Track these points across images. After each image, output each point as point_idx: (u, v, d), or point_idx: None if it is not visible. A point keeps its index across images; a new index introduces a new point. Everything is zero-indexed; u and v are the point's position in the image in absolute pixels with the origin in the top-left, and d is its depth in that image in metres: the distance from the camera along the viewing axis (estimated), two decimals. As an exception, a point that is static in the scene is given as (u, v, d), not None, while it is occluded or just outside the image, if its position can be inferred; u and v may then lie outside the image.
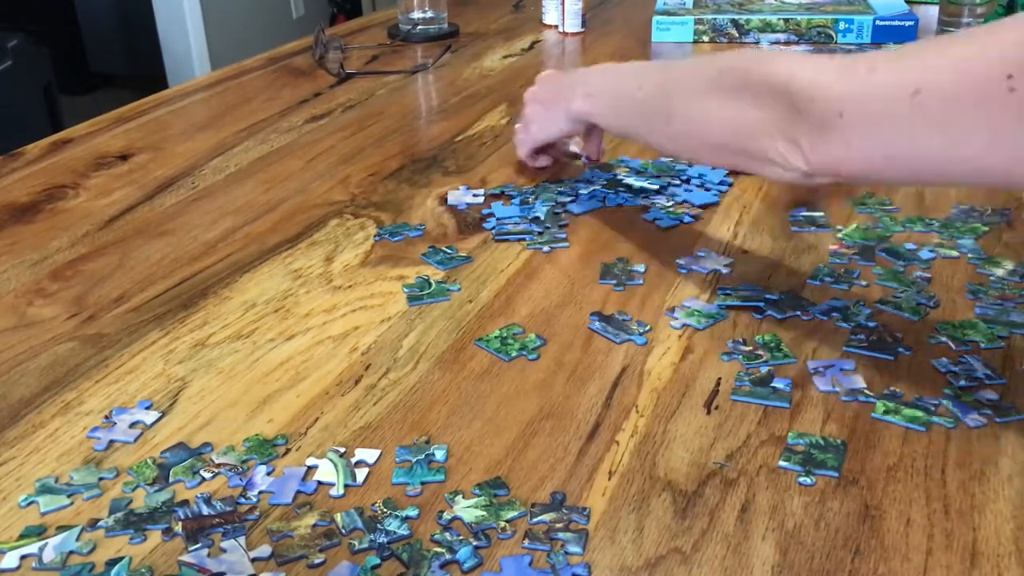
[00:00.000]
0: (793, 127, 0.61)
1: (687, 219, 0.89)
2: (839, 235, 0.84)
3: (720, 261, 0.81)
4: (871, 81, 0.57)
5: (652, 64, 0.87)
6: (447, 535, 0.52)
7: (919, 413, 0.61)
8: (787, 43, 1.50)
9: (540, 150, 0.99)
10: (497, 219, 0.91)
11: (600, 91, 0.85)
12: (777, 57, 0.65)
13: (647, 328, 0.72)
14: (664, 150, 0.85)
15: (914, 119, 0.54)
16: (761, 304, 0.74)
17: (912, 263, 0.79)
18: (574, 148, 1.02)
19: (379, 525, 0.53)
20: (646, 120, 0.78)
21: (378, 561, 0.51)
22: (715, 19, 1.54)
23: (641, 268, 0.80)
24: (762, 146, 0.63)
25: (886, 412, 0.61)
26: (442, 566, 0.50)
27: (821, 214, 0.89)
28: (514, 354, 0.69)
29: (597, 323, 0.73)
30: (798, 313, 0.73)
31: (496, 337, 0.71)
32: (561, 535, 0.52)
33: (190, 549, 0.52)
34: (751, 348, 0.69)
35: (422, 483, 0.56)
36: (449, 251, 0.85)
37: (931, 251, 0.81)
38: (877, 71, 0.57)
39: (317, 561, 0.51)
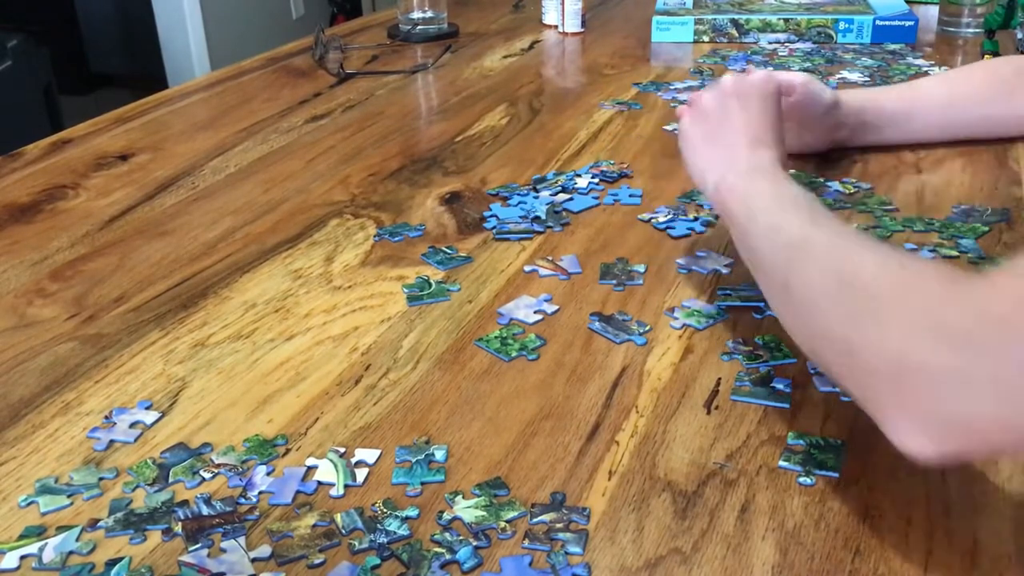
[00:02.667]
0: (937, 402, 0.45)
1: (699, 228, 0.88)
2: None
3: (720, 261, 0.81)
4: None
5: (800, 202, 0.64)
6: (447, 535, 0.52)
7: (919, 413, 0.61)
8: (787, 43, 1.50)
9: None
10: (498, 219, 0.91)
11: (742, 196, 0.69)
12: (926, 277, 0.49)
13: (647, 328, 0.72)
14: (778, 317, 0.62)
15: None
16: (761, 304, 0.74)
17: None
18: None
19: (379, 525, 0.53)
20: (765, 273, 0.63)
21: (378, 561, 0.51)
22: (715, 19, 1.54)
23: (641, 268, 0.80)
24: (874, 410, 0.49)
25: (886, 412, 0.61)
26: (442, 566, 0.50)
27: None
28: (514, 354, 0.69)
29: (597, 323, 0.73)
30: (798, 313, 0.73)
31: (496, 337, 0.71)
32: (561, 535, 0.52)
33: (190, 549, 0.52)
34: (751, 348, 0.69)
35: (422, 483, 0.56)
36: (449, 251, 0.85)
37: (931, 251, 0.81)
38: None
39: (317, 561, 0.51)
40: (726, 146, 0.75)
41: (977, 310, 0.43)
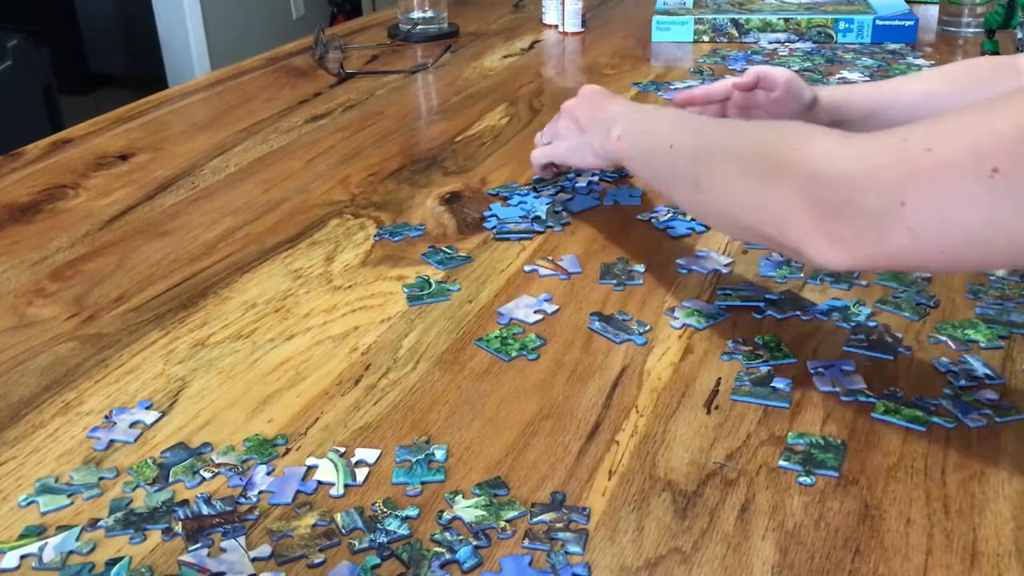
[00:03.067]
0: (836, 223, 0.54)
1: (700, 228, 0.88)
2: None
3: (720, 261, 0.81)
4: (935, 162, 0.50)
5: (690, 119, 0.77)
6: (447, 535, 0.52)
7: (919, 413, 0.61)
8: (787, 43, 1.50)
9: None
10: (498, 219, 0.91)
11: (633, 135, 0.80)
12: (813, 139, 0.58)
13: (647, 328, 0.72)
14: (689, 213, 0.78)
15: (997, 200, 0.48)
16: (761, 304, 0.74)
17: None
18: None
19: (379, 525, 0.53)
20: (673, 180, 0.72)
21: (378, 561, 0.51)
22: (715, 19, 1.54)
23: (641, 268, 0.80)
24: (796, 238, 0.57)
25: (886, 412, 0.61)
26: (442, 566, 0.50)
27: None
28: (514, 354, 0.69)
29: (597, 323, 0.73)
30: (798, 313, 0.73)
31: (496, 337, 0.71)
32: (561, 535, 0.52)
33: (190, 549, 0.52)
34: (751, 348, 0.69)
35: (422, 483, 0.56)
36: (449, 251, 0.85)
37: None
38: (936, 149, 0.50)
39: (317, 561, 0.51)
40: (595, 120, 0.86)
41: (858, 154, 0.54)
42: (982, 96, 1.01)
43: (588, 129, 0.86)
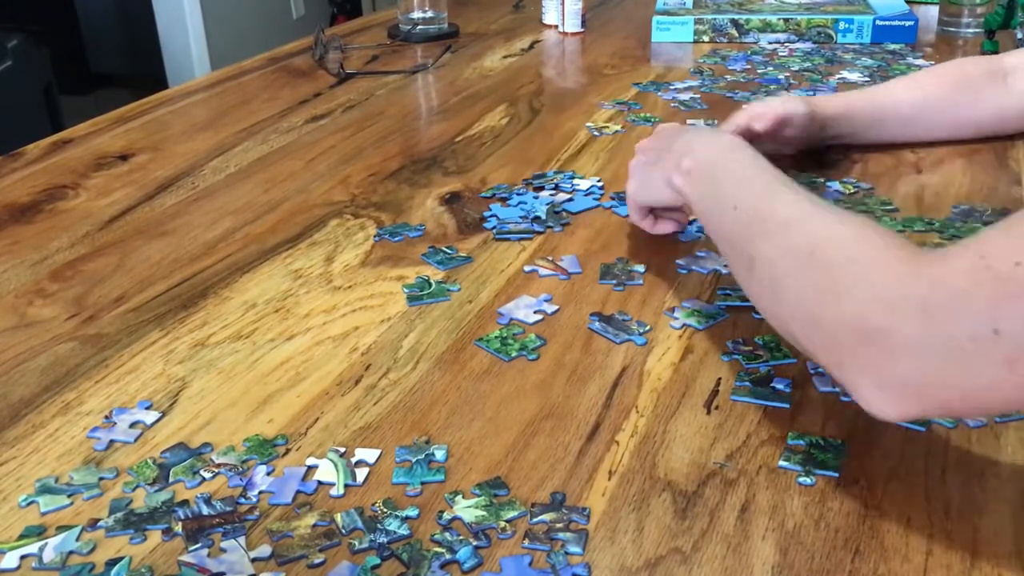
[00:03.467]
0: (900, 362, 0.47)
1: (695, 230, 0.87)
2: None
3: (720, 261, 0.81)
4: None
5: (759, 173, 0.65)
6: (447, 535, 0.52)
7: (919, 413, 0.61)
8: (787, 43, 1.50)
9: (657, 211, 0.84)
10: (498, 219, 0.91)
11: (703, 178, 0.71)
12: (882, 254, 0.50)
13: (647, 328, 0.72)
14: (745, 292, 0.64)
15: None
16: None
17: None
18: None
19: (379, 525, 0.53)
20: (730, 249, 0.65)
21: (378, 561, 0.51)
22: (715, 19, 1.54)
23: (641, 268, 0.80)
24: (845, 377, 0.51)
25: (886, 412, 0.61)
26: (442, 566, 0.50)
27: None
28: (514, 354, 0.69)
29: (597, 323, 0.73)
30: (798, 313, 0.73)
31: (496, 337, 0.71)
32: (561, 535, 0.52)
33: (190, 549, 0.52)
34: (751, 348, 0.69)
35: (422, 483, 0.56)
36: (449, 251, 0.85)
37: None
38: None
39: (317, 561, 0.51)
40: (668, 149, 0.77)
41: (932, 282, 0.46)
42: (973, 100, 0.99)
43: (659, 161, 0.77)
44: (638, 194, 0.81)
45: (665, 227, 0.83)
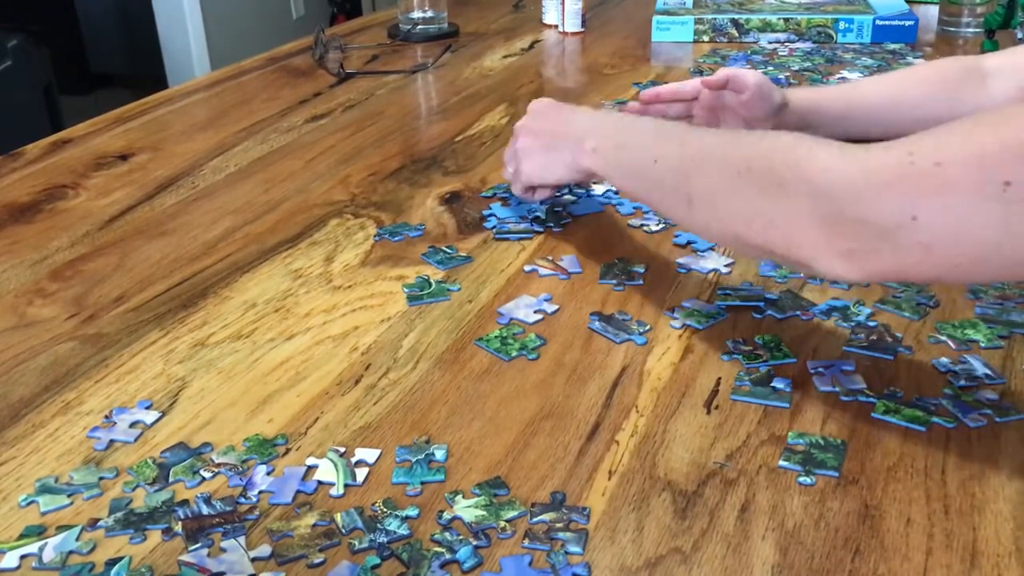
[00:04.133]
0: (846, 238, 0.54)
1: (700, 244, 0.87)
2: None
3: (720, 261, 0.81)
4: (946, 177, 0.50)
5: (670, 129, 0.73)
6: (447, 535, 0.52)
7: (919, 413, 0.61)
8: (787, 43, 1.50)
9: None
10: (498, 219, 0.91)
11: (609, 151, 0.77)
12: (814, 152, 0.57)
13: (647, 328, 0.72)
14: (682, 227, 0.76)
15: (1009, 213, 0.48)
16: (761, 304, 0.74)
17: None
18: None
19: (379, 525, 0.53)
20: (663, 197, 0.70)
21: (378, 561, 0.51)
22: (715, 19, 1.54)
23: (641, 268, 0.80)
24: (806, 254, 0.57)
25: (886, 412, 0.61)
26: (442, 566, 0.50)
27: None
28: (514, 354, 0.69)
29: (597, 323, 0.73)
30: (798, 313, 0.73)
31: (496, 337, 0.71)
32: (561, 535, 0.52)
33: (190, 549, 0.52)
34: (751, 348, 0.69)
35: (422, 483, 0.56)
36: (449, 251, 0.85)
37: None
38: (946, 164, 0.50)
39: (317, 561, 0.51)
40: (561, 134, 0.83)
41: (864, 171, 0.53)
42: (948, 99, 1.01)
43: (554, 146, 0.83)
44: (536, 176, 0.86)
45: (543, 194, 0.89)
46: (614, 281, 0.79)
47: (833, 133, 1.01)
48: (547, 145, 0.84)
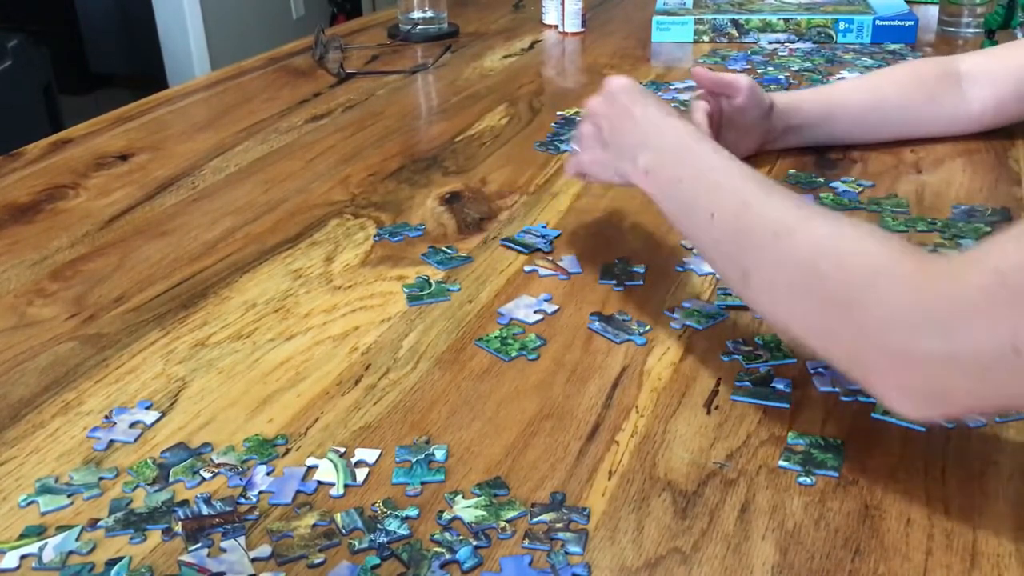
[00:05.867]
0: (922, 374, 0.48)
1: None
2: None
3: (720, 261, 0.81)
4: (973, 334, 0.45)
5: (733, 179, 0.63)
6: (447, 535, 0.52)
7: (919, 413, 0.61)
8: (787, 43, 1.50)
9: None
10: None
11: (663, 179, 0.68)
12: (895, 267, 0.50)
13: (647, 328, 0.72)
14: (735, 295, 0.67)
15: None
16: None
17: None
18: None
19: (379, 525, 0.53)
20: (715, 255, 0.63)
21: (378, 561, 0.51)
22: (715, 19, 1.54)
23: (641, 268, 0.80)
24: (868, 382, 0.51)
25: (886, 412, 0.61)
26: (442, 566, 0.50)
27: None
28: (514, 354, 0.69)
29: (597, 323, 0.73)
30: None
31: (496, 337, 0.71)
32: (561, 535, 0.52)
33: (190, 549, 0.52)
34: (751, 348, 0.69)
35: (422, 483, 0.56)
36: (449, 251, 0.85)
37: (932, 250, 0.81)
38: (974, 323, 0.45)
39: (317, 561, 0.51)
40: (619, 141, 0.73)
41: (950, 301, 0.47)
42: (926, 101, 0.99)
43: (611, 148, 0.74)
44: (593, 172, 0.77)
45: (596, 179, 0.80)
46: (614, 281, 0.79)
47: (818, 136, 1.03)
48: (608, 141, 0.75)
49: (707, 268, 0.80)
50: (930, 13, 1.60)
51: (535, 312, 0.74)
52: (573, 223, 0.90)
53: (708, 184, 0.64)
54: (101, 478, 0.58)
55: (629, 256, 0.83)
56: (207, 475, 0.58)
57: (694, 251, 0.82)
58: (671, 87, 1.30)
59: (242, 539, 0.53)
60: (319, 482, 0.57)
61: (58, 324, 0.76)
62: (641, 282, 0.79)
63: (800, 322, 0.55)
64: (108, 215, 0.96)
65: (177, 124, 1.26)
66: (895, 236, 0.53)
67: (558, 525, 0.53)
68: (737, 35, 1.53)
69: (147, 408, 0.65)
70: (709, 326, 0.72)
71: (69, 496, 0.57)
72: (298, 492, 0.56)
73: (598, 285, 0.78)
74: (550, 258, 0.83)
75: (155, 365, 0.70)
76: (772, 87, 1.28)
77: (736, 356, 0.68)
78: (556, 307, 0.75)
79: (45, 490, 0.57)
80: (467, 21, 1.73)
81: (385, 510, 0.54)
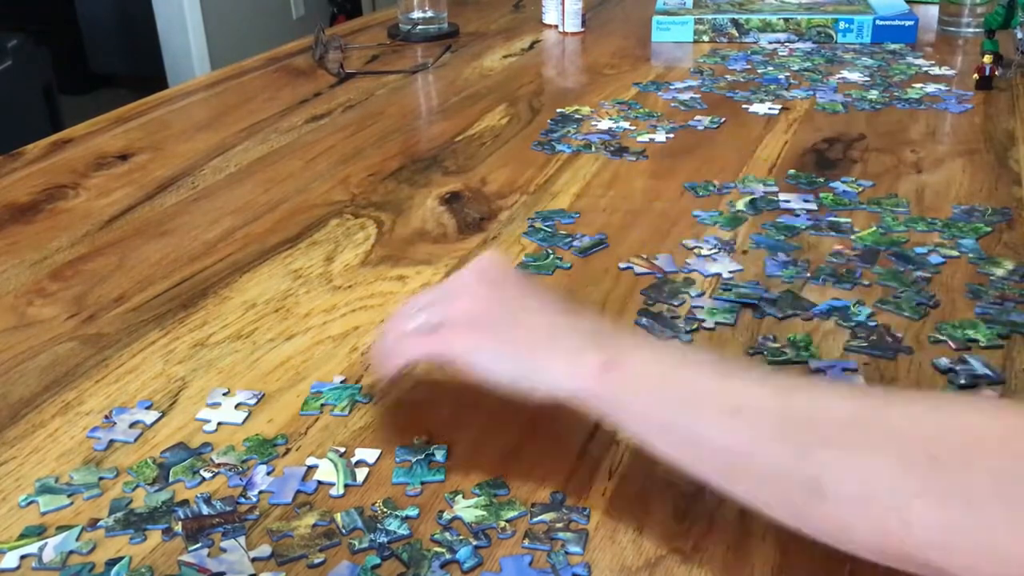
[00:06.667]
0: None
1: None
2: (852, 238, 0.84)
3: (726, 266, 0.81)
4: None
5: (745, 382, 0.47)
6: (447, 535, 0.52)
7: (919, 413, 0.61)
8: (787, 43, 1.50)
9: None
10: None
11: (646, 370, 0.49)
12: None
13: (694, 327, 0.71)
14: (787, 521, 0.45)
15: None
16: (758, 303, 0.74)
17: (922, 267, 0.79)
18: None
19: (379, 525, 0.53)
20: (745, 475, 0.45)
21: (378, 561, 0.51)
22: (715, 19, 1.54)
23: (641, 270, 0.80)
24: None
25: (886, 412, 0.61)
26: (442, 566, 0.50)
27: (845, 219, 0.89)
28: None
29: (644, 320, 0.72)
30: (798, 313, 0.73)
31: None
32: (561, 535, 0.52)
33: (190, 549, 0.52)
34: (779, 346, 0.68)
35: (422, 483, 0.56)
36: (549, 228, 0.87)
37: (932, 249, 0.81)
38: None
39: (317, 561, 0.51)
40: (547, 331, 0.53)
41: None
42: None
43: (513, 343, 0.53)
44: (498, 381, 0.54)
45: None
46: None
47: None
48: (481, 326, 0.55)
49: (712, 269, 0.80)
50: (930, 13, 1.60)
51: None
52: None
53: (723, 380, 0.47)
54: (101, 478, 0.58)
55: (630, 256, 0.83)
56: (207, 475, 0.58)
57: (696, 251, 0.82)
58: (671, 87, 1.30)
59: (242, 539, 0.53)
60: (319, 482, 0.57)
61: (58, 324, 0.76)
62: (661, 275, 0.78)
63: (934, 542, 0.39)
64: (108, 215, 0.96)
65: (177, 124, 1.26)
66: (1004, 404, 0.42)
67: (558, 525, 0.53)
68: (737, 35, 1.53)
69: (147, 408, 0.65)
70: (711, 325, 0.72)
71: (69, 496, 0.57)
72: (298, 492, 0.56)
73: (599, 284, 0.78)
74: (645, 256, 0.82)
75: (155, 365, 0.70)
76: (772, 87, 1.28)
77: (763, 351, 0.67)
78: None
79: (45, 490, 0.57)
80: (467, 21, 1.73)
81: (385, 510, 0.54)
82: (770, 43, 1.51)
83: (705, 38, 1.54)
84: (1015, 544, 0.37)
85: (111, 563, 0.51)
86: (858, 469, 0.40)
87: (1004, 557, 0.37)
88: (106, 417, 0.64)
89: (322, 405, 0.64)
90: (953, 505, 0.38)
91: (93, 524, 0.54)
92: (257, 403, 0.64)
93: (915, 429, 0.41)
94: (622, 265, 0.81)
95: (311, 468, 0.58)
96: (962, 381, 0.64)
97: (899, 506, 0.39)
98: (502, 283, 0.57)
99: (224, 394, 0.66)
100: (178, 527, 0.54)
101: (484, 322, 0.54)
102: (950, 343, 0.68)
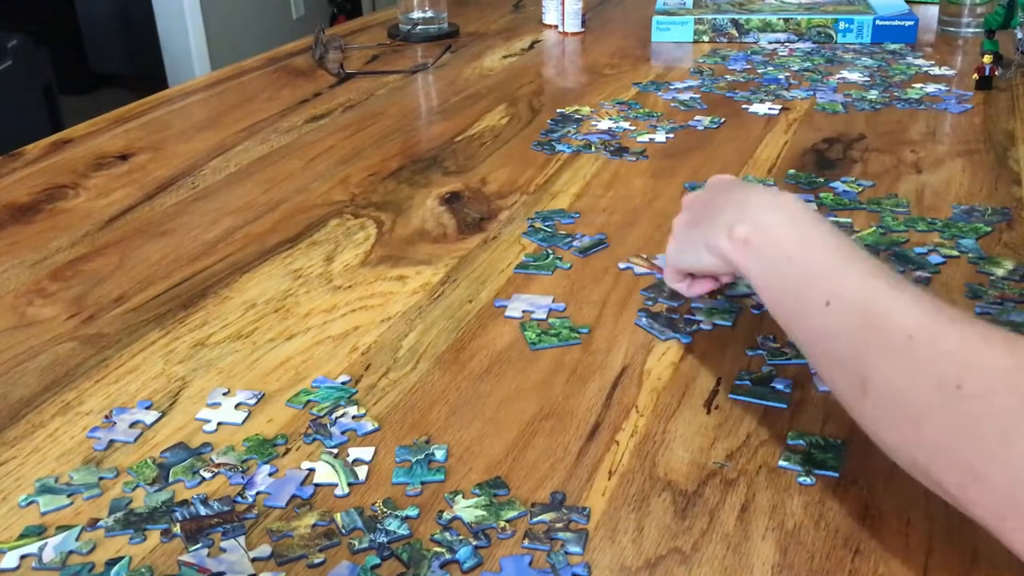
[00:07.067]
0: None
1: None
2: (852, 238, 0.84)
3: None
4: None
5: (853, 258, 0.53)
6: (447, 535, 0.52)
7: (919, 413, 0.61)
8: (787, 43, 1.50)
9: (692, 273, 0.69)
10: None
11: (768, 248, 0.57)
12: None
13: (693, 328, 0.71)
14: (847, 407, 0.51)
15: None
16: (758, 302, 0.74)
17: (922, 267, 0.79)
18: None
19: (379, 525, 0.53)
20: (826, 359, 0.53)
21: (378, 561, 0.51)
22: (715, 19, 1.54)
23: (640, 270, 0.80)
24: (1017, 541, 0.44)
25: (886, 412, 0.61)
26: (442, 566, 0.50)
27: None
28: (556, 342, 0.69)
29: (644, 319, 0.72)
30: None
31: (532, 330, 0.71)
32: (561, 535, 0.52)
33: (190, 549, 0.52)
34: (779, 345, 0.68)
35: (422, 483, 0.56)
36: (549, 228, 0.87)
37: (932, 249, 0.81)
38: None
39: (317, 561, 0.51)
40: (714, 207, 0.63)
41: None
42: None
43: (704, 219, 0.63)
44: (677, 259, 0.68)
45: (701, 287, 0.69)
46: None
47: None
48: (694, 220, 0.66)
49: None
50: (930, 13, 1.60)
51: (539, 311, 0.74)
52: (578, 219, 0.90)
53: (825, 267, 0.54)
54: (101, 478, 0.58)
55: (630, 256, 0.83)
56: (207, 475, 0.58)
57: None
58: (671, 87, 1.30)
59: (242, 539, 0.53)
60: (316, 485, 0.57)
61: (58, 324, 0.76)
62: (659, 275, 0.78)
63: (930, 450, 0.45)
64: (108, 215, 0.96)
65: (177, 124, 1.26)
66: None
67: (558, 525, 0.53)
68: (737, 35, 1.53)
69: (147, 408, 0.65)
70: (710, 326, 0.72)
71: (69, 496, 0.57)
72: (298, 493, 0.56)
73: (599, 284, 0.78)
74: (644, 255, 0.82)
75: (155, 365, 0.70)
76: (772, 87, 1.28)
77: (762, 351, 0.67)
78: (563, 305, 0.75)
79: (45, 490, 0.57)
80: (467, 21, 1.73)
81: (385, 510, 0.54)
82: (770, 43, 1.51)
83: (705, 38, 1.54)
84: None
85: (111, 563, 0.51)
86: (896, 382, 0.47)
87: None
88: (106, 417, 0.64)
89: (307, 402, 0.64)
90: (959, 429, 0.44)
91: (93, 524, 0.54)
92: (257, 403, 0.65)
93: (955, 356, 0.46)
94: (622, 265, 0.81)
95: (311, 471, 0.58)
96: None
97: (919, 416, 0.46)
98: (711, 187, 0.69)
99: (224, 394, 0.66)
100: (178, 527, 0.54)
101: (683, 227, 0.68)
102: (950, 343, 0.68)
